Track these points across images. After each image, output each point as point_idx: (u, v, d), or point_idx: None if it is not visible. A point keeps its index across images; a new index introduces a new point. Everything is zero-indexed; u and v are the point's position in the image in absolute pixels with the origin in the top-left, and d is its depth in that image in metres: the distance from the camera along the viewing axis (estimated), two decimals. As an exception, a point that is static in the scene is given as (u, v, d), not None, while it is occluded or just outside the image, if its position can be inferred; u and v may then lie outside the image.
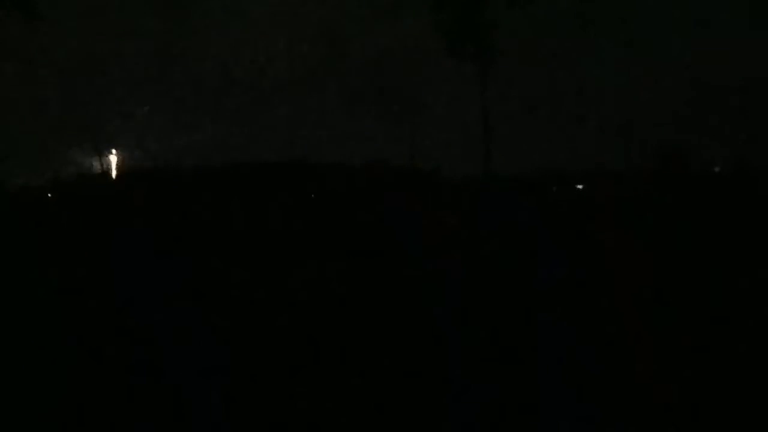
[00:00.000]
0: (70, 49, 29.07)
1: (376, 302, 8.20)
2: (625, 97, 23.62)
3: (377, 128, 26.24)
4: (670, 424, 4.31)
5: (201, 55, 32.18)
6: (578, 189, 23.69)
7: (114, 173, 27.66)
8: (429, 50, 25.34)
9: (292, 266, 11.72)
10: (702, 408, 4.55)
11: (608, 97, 24.00)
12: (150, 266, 12.47)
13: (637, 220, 17.23)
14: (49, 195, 26.23)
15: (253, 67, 30.96)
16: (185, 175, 23.26)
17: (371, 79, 27.01)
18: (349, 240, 14.84)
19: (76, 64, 29.73)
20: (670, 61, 24.94)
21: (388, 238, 14.72)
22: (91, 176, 26.63)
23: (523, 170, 24.24)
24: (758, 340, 6.17)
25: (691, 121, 23.99)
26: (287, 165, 20.55)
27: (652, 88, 24.21)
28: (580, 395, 4.81)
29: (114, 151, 31.40)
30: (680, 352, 5.87)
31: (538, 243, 14.67)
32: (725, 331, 6.66)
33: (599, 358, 5.70)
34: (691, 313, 7.63)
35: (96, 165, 27.86)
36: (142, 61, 33.43)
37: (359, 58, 27.71)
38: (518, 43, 24.78)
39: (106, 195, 23.88)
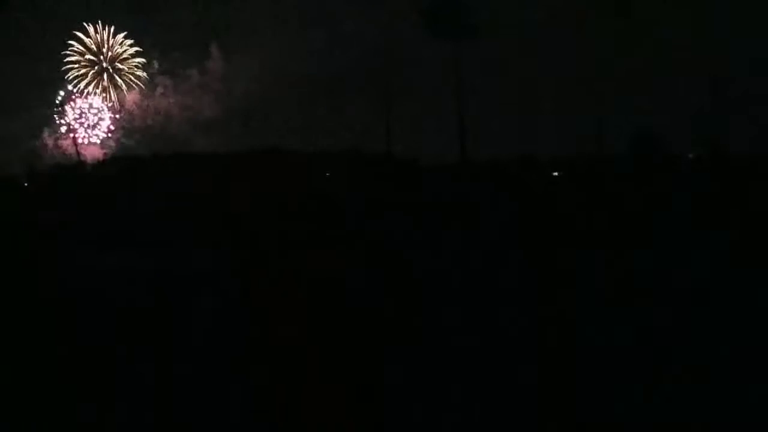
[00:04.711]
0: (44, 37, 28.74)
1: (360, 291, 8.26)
2: (601, 83, 23.70)
3: (353, 114, 26.17)
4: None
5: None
6: (554, 176, 23.84)
7: (91, 162, 27.50)
8: (407, 33, 25.06)
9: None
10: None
11: (584, 82, 24.03)
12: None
13: (613, 206, 17.37)
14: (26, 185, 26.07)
15: (231, 49, 30.68)
16: (161, 163, 23.22)
17: (349, 64, 26.78)
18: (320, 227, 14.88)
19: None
20: (648, 48, 25.02)
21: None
22: (68, 166, 26.48)
23: (499, 156, 24.21)
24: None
25: (665, 108, 24.14)
26: (260, 153, 20.56)
27: (628, 76, 24.32)
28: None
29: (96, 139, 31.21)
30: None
31: (514, 231, 14.77)
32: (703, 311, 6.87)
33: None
34: (670, 294, 7.81)
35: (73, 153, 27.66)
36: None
37: (337, 42, 27.39)
38: (496, 24, 24.66)
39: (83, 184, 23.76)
